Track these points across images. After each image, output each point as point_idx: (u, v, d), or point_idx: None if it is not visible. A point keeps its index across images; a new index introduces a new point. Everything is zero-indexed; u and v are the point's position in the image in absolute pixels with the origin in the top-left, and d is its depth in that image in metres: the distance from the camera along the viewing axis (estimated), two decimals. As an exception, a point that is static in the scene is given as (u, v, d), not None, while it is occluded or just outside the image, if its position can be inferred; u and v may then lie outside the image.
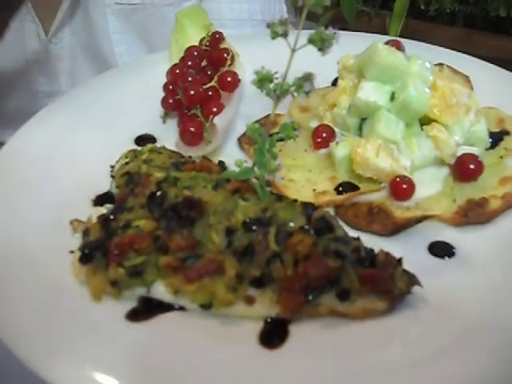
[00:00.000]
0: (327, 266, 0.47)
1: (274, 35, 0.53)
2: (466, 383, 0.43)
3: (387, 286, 0.47)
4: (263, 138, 0.55)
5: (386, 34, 1.50)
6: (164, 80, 0.80)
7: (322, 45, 0.52)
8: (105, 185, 0.64)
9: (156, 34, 1.05)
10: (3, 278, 0.52)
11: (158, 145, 0.68)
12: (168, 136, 0.72)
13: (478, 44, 1.52)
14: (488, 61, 0.78)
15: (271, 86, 0.55)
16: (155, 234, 0.51)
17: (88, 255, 0.51)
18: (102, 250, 0.51)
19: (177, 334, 0.47)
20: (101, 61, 1.04)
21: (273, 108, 0.56)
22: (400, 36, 1.47)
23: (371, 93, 0.61)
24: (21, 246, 0.55)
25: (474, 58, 0.76)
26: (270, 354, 0.45)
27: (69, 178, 0.65)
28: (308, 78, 0.53)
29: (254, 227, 0.51)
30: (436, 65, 0.69)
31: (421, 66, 0.61)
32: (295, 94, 0.54)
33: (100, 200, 0.62)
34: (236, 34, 0.90)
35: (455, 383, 0.43)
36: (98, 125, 0.73)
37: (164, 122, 0.75)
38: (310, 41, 0.52)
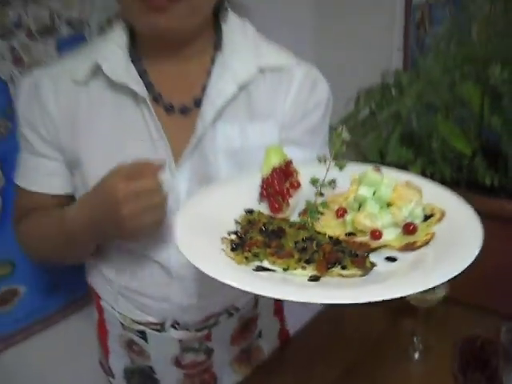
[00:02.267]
0: (338, 256, 1.13)
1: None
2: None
3: (364, 264, 1.12)
4: (314, 208, 1.24)
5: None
6: (255, 184, 1.51)
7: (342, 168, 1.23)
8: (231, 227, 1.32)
9: (249, 167, 1.57)
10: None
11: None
12: (261, 209, 1.41)
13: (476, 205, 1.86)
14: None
15: (317, 184, 1.26)
16: (264, 241, 1.19)
17: (236, 248, 1.18)
18: (242, 246, 1.18)
19: (272, 276, 1.12)
20: (208, 182, 1.54)
21: (316, 194, 1.26)
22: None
23: (365, 191, 1.29)
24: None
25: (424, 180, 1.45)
26: (314, 284, 1.09)
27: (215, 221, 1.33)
28: (332, 182, 1.23)
29: (307, 241, 1.18)
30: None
31: (388, 179, 1.30)
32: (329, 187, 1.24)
33: (232, 233, 1.30)
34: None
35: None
36: (224, 204, 1.43)
37: (259, 203, 1.45)
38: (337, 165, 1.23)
